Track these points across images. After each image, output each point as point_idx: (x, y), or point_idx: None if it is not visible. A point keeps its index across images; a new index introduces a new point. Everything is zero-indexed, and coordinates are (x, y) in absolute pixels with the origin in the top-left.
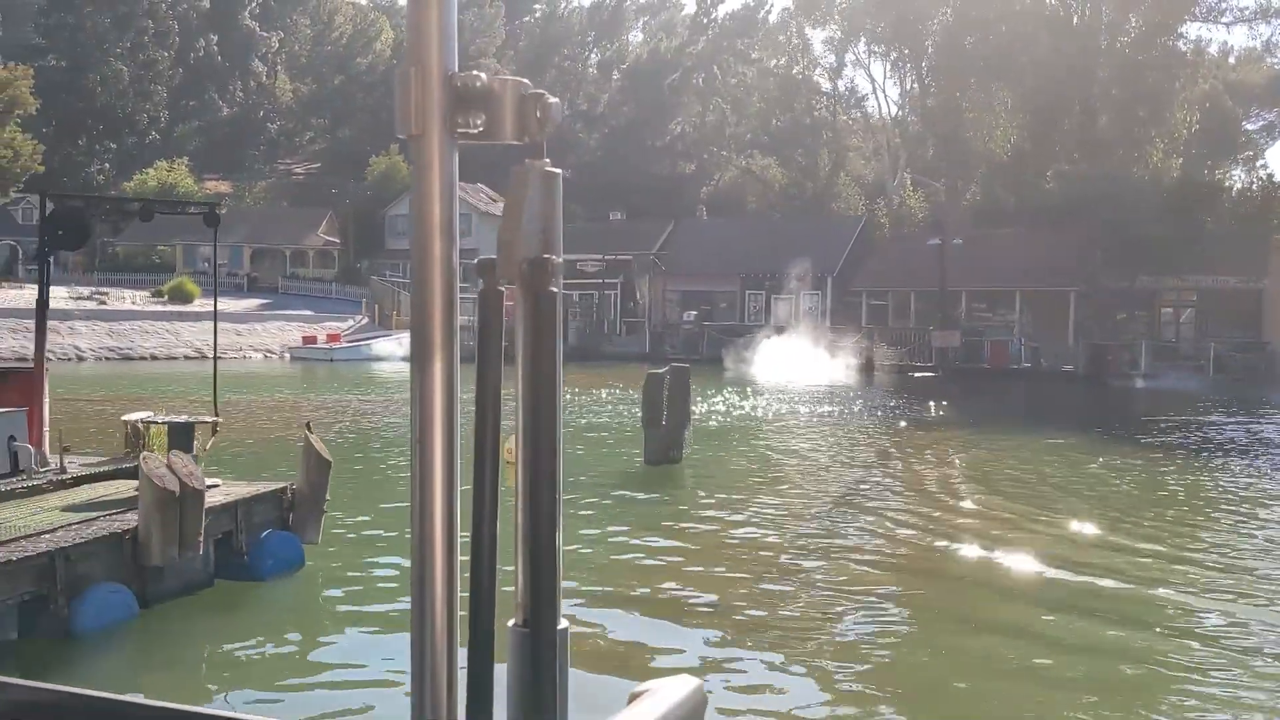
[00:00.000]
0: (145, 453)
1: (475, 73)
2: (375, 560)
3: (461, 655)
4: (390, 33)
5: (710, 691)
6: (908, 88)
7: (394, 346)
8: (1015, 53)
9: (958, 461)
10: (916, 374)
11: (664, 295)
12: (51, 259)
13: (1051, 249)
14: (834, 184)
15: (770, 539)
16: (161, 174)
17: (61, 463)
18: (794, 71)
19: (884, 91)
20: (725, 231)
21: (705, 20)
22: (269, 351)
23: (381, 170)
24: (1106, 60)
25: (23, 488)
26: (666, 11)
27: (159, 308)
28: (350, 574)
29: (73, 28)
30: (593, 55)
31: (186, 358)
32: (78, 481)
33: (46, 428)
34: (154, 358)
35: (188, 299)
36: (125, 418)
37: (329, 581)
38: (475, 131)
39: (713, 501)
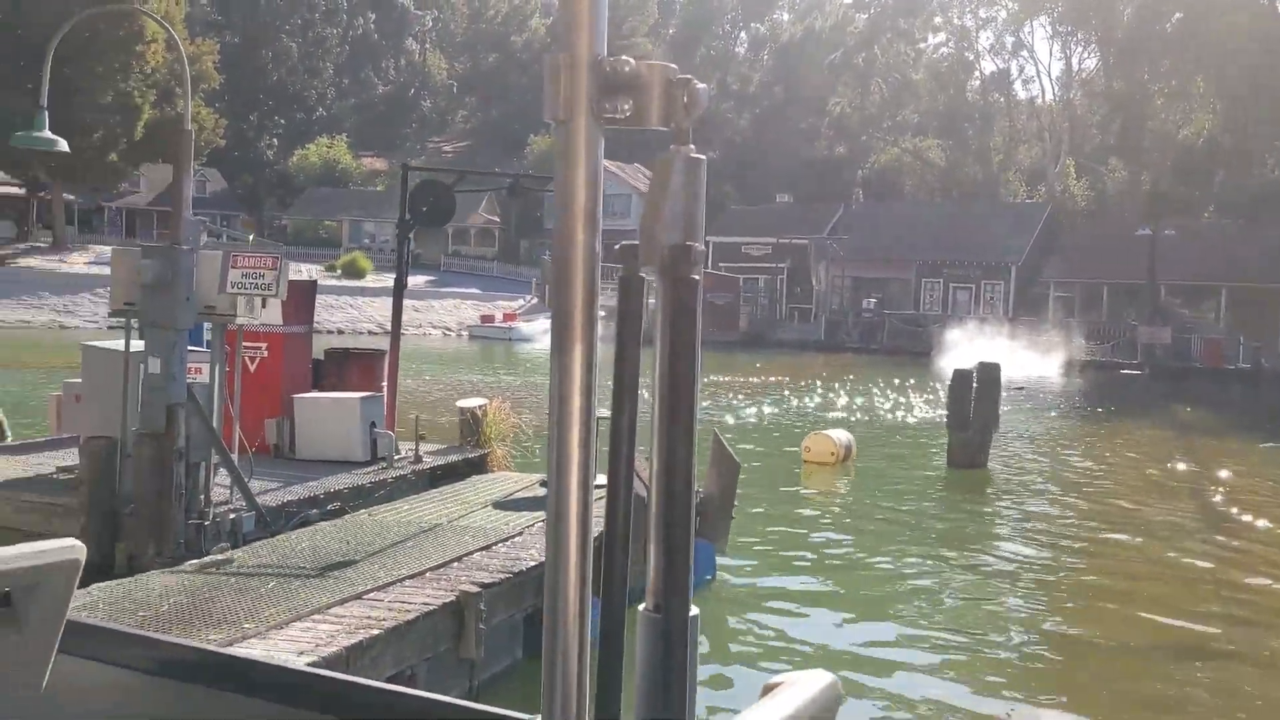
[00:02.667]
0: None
1: (623, 58)
2: (785, 567)
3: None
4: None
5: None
6: (1077, 69)
7: None
8: (1210, 35)
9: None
10: (1122, 371)
11: (836, 281)
12: (410, 239)
13: (1261, 242)
14: (1006, 168)
15: (1108, 563)
16: (322, 149)
17: (417, 451)
18: (959, 52)
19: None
20: (898, 216)
21: None
22: (447, 329)
23: (542, 149)
24: None
25: (392, 478)
26: None
27: (335, 282)
28: (763, 578)
29: (248, 4)
30: (742, 34)
31: (370, 333)
32: (437, 473)
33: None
34: (340, 332)
35: (359, 274)
36: (460, 404)
37: (750, 589)
38: (622, 117)
39: (1034, 513)
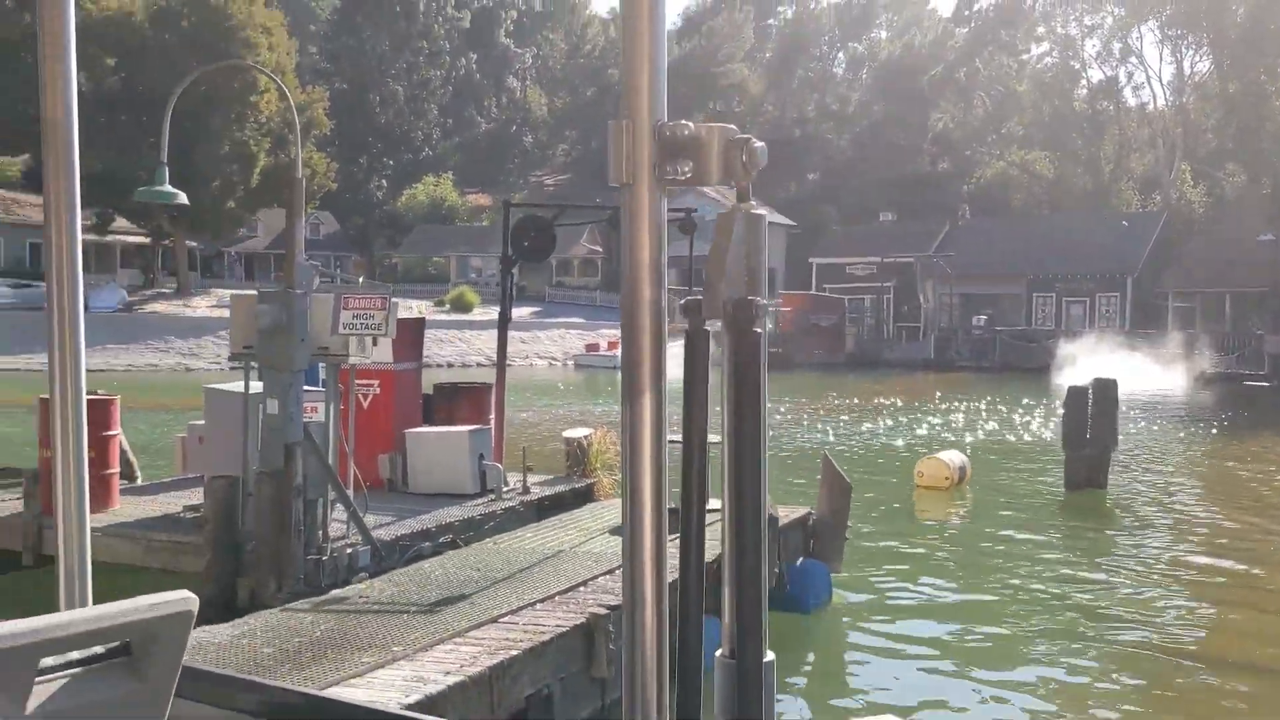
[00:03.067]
0: None
1: (683, 122)
2: (899, 589)
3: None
4: None
5: None
6: (1189, 72)
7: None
8: None
9: None
10: (1248, 383)
11: (944, 298)
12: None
13: None
14: (1118, 177)
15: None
16: (429, 188)
17: (525, 482)
18: (1064, 61)
19: (1160, 78)
20: (1006, 230)
21: (966, 13)
22: (553, 359)
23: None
24: None
25: (501, 510)
26: (910, 7)
27: (444, 316)
28: (879, 600)
29: (354, 51)
30: (840, 54)
31: (479, 365)
32: (545, 503)
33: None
34: (449, 366)
35: (467, 308)
36: (566, 434)
37: (867, 612)
38: (683, 178)
39: (1156, 537)
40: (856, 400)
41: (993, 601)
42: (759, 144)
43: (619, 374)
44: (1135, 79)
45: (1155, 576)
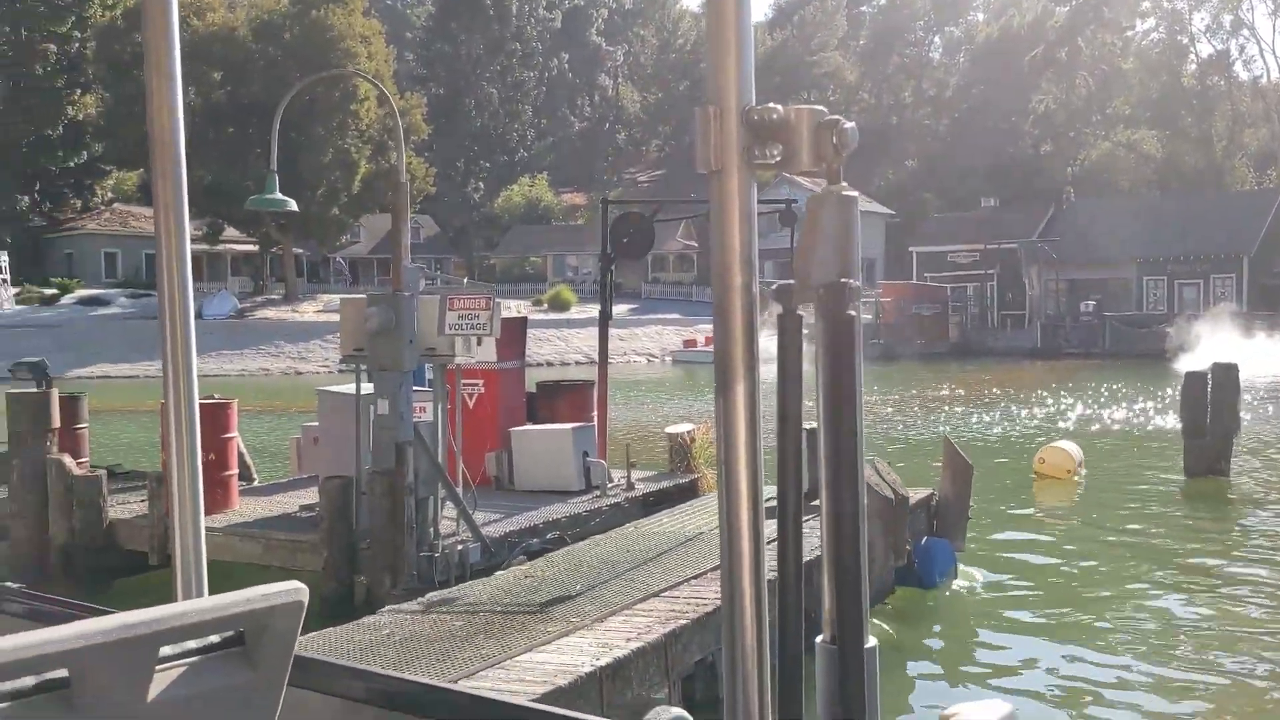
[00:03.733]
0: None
1: (771, 105)
2: (1019, 570)
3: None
4: None
5: None
6: None
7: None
8: None
9: None
10: None
11: (1050, 284)
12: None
13: None
14: (1231, 154)
15: None
16: (524, 189)
17: (630, 478)
18: (1171, 36)
19: (1273, 51)
20: (1114, 213)
21: None
22: (651, 355)
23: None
24: None
25: (607, 506)
26: None
27: (542, 315)
28: (1001, 580)
29: (449, 56)
30: (935, 39)
31: (578, 363)
32: (650, 499)
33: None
34: (549, 364)
35: (565, 306)
36: (669, 430)
37: (989, 589)
38: (773, 162)
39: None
40: (962, 391)
41: (1109, 589)
42: (849, 125)
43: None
44: (1247, 52)
45: (1275, 567)
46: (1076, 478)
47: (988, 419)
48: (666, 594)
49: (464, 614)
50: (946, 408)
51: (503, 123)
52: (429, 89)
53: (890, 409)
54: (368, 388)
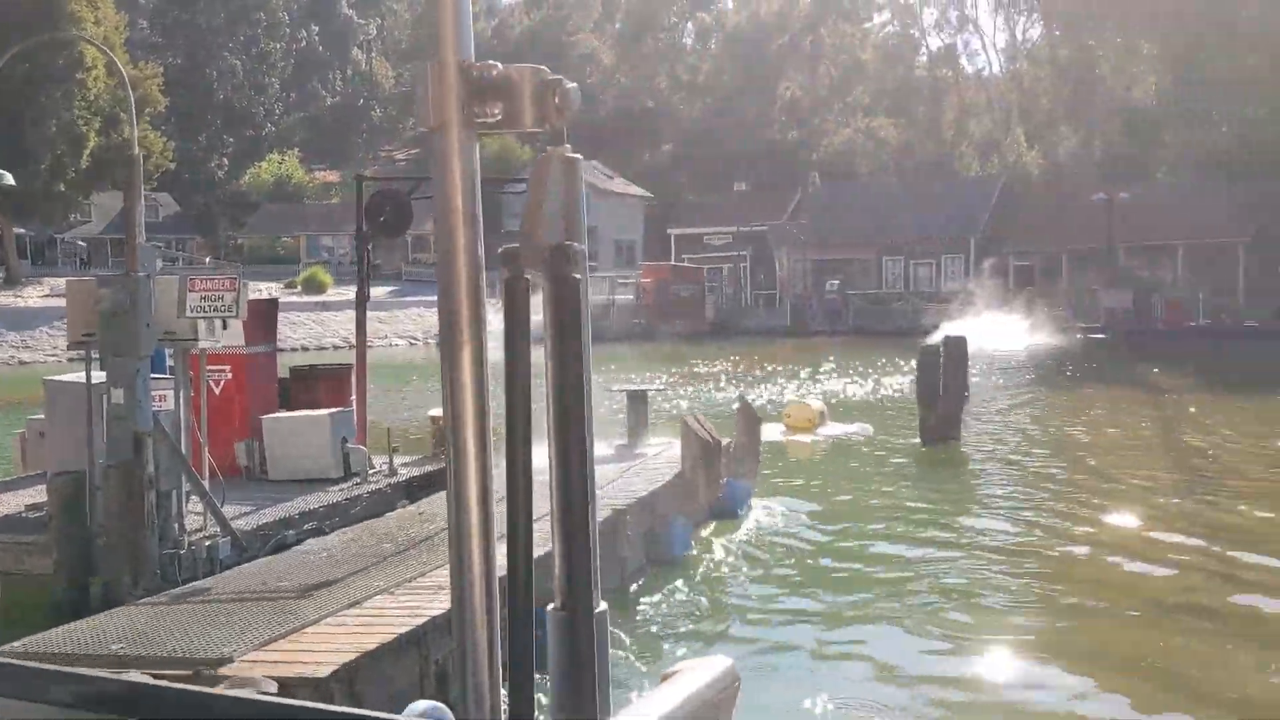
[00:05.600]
0: (689, 414)
1: (491, 62)
2: (806, 509)
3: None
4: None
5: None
6: (1021, 39)
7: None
8: None
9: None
10: (1085, 336)
11: (798, 265)
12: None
13: (1213, 200)
14: (959, 142)
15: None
16: (274, 166)
17: (392, 464)
18: (904, 29)
19: (994, 45)
20: (855, 197)
21: None
22: (413, 338)
23: (495, 150)
24: None
25: (368, 494)
26: None
27: (296, 298)
28: (786, 517)
29: (188, 24)
30: (689, 25)
31: (335, 347)
32: (414, 484)
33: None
34: (304, 349)
35: (320, 289)
36: (432, 413)
37: (776, 519)
38: (494, 120)
39: (1002, 483)
40: (719, 367)
41: (849, 541)
42: (571, 85)
43: None
44: (971, 46)
45: (996, 519)
46: (819, 432)
47: (754, 394)
48: (422, 580)
49: (203, 606)
50: (708, 384)
51: (248, 95)
52: (166, 59)
53: (658, 384)
54: (100, 375)
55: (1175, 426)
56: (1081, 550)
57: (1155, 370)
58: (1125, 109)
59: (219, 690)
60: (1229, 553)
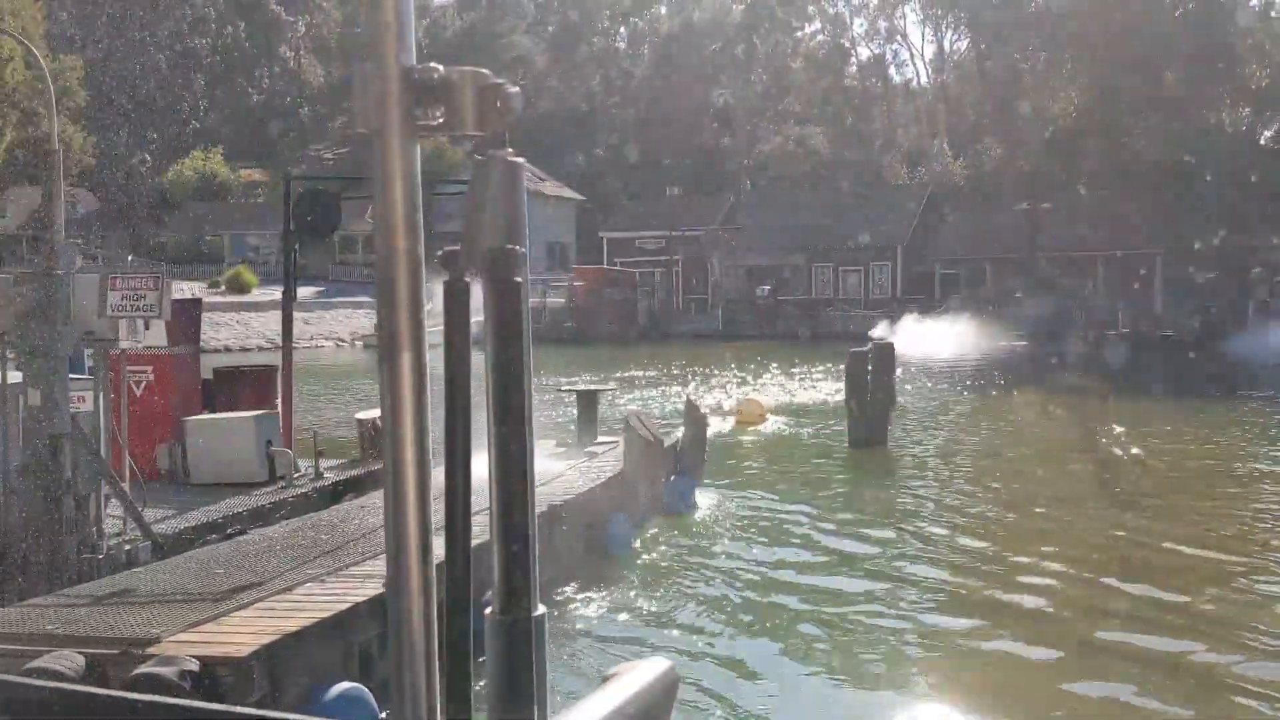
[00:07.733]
0: (631, 414)
1: (432, 65)
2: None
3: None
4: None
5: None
6: (948, 51)
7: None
8: (1077, 12)
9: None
10: (1007, 342)
11: (730, 270)
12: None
13: (1131, 211)
14: (887, 151)
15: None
16: (197, 163)
17: (317, 467)
18: (835, 39)
19: (922, 57)
20: (785, 204)
21: None
22: (340, 340)
23: (428, 151)
24: (1170, 13)
25: (293, 497)
26: None
27: (220, 298)
28: (730, 516)
29: (110, 17)
30: (622, 29)
31: (260, 348)
32: (340, 488)
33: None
34: (228, 349)
35: (245, 288)
36: (359, 416)
37: (720, 516)
38: (435, 124)
39: (926, 484)
40: (653, 373)
41: (778, 544)
42: (514, 89)
43: None
44: (900, 57)
45: (920, 520)
46: (766, 422)
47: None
48: (355, 569)
49: (134, 593)
50: (637, 389)
51: (172, 91)
52: (88, 52)
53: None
54: (15, 376)
55: (1096, 431)
56: (991, 549)
57: (1077, 377)
58: (1046, 123)
59: (93, 690)
60: (1145, 549)
